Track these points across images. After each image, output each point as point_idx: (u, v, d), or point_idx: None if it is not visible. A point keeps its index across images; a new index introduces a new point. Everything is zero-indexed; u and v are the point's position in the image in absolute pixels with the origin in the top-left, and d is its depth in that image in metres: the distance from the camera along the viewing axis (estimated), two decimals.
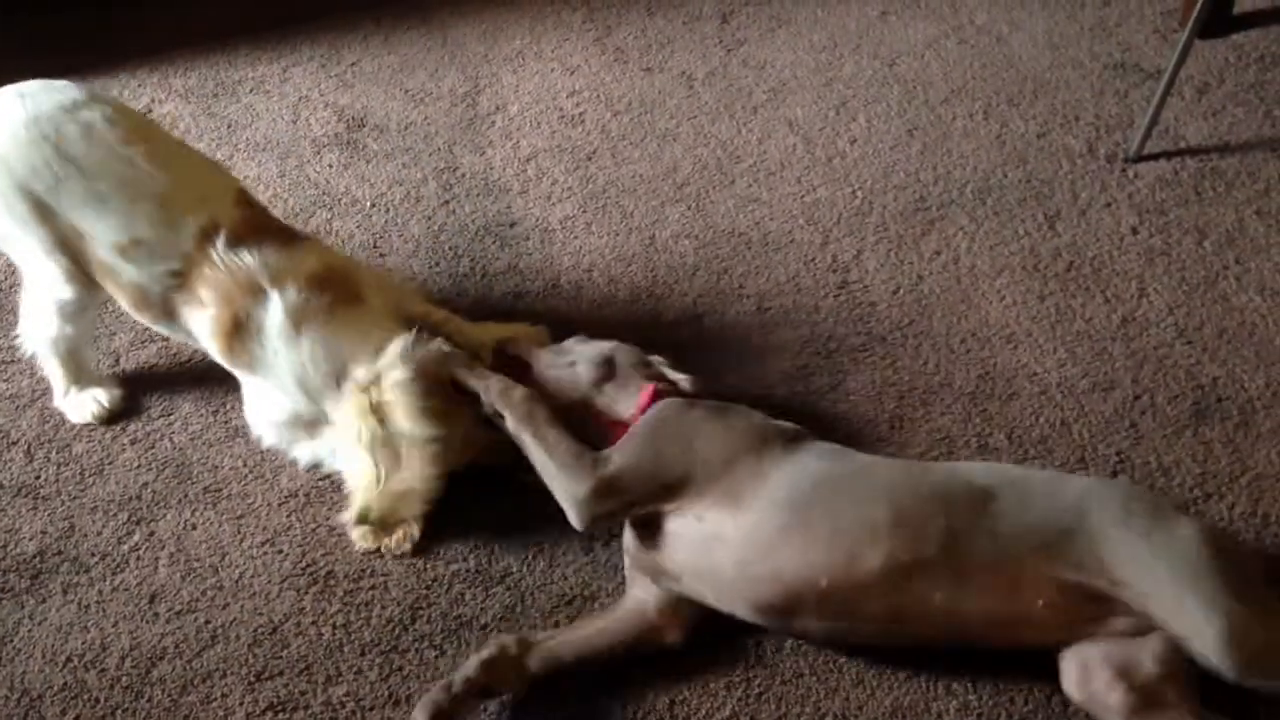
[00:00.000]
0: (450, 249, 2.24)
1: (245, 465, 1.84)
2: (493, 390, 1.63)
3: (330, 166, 2.43)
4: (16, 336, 1.95)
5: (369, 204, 2.35)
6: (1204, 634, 1.36)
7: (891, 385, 1.91)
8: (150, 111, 2.57)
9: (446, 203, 2.34)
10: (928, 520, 1.45)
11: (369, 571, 1.69)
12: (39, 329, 1.88)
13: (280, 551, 1.72)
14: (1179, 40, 2.26)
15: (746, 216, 2.28)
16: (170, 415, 1.92)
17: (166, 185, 1.74)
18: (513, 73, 2.68)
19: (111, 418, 1.92)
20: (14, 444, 1.87)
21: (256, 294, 1.70)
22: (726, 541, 1.49)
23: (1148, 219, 2.19)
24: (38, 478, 1.82)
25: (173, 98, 2.61)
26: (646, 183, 2.37)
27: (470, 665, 1.50)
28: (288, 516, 1.76)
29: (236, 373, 1.79)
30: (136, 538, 1.74)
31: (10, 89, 1.78)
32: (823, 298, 2.09)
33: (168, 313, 1.77)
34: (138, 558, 1.71)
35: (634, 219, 2.29)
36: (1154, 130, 2.30)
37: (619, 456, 1.55)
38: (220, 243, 1.72)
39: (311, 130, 2.52)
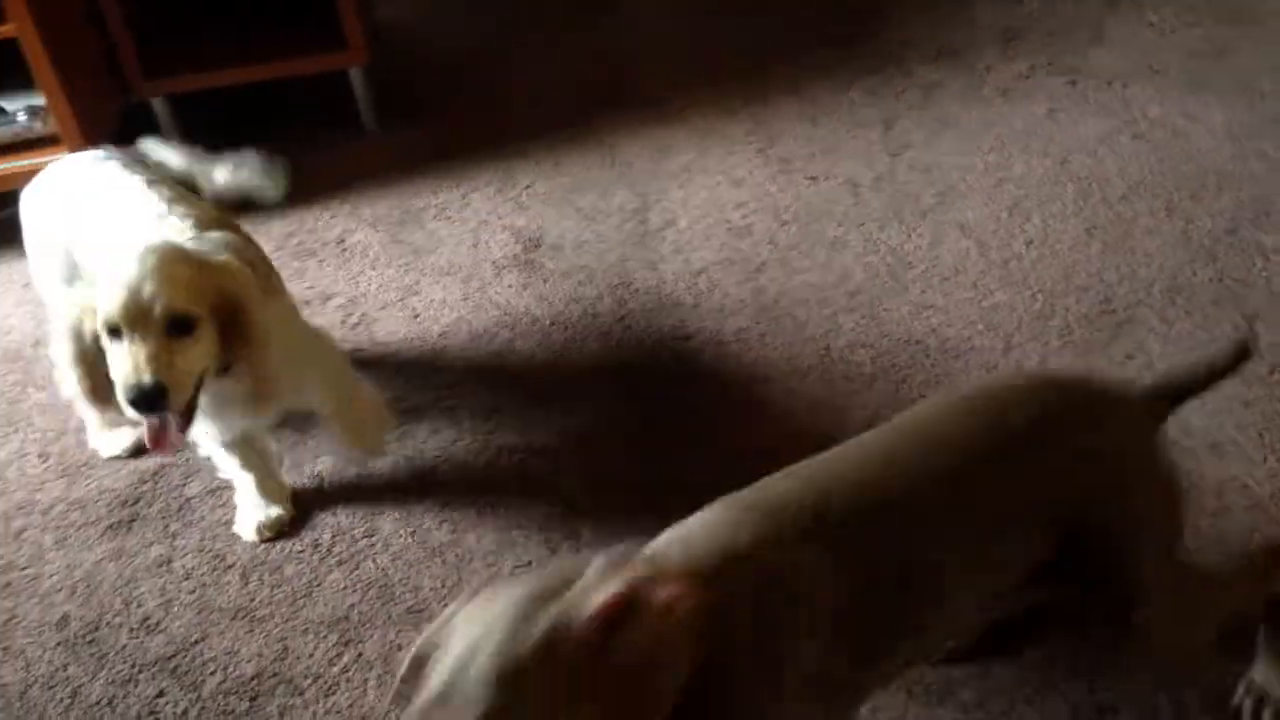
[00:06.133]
0: (627, 365, 2.29)
1: (444, 585, 1.90)
2: None
3: (510, 287, 2.52)
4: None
5: (548, 322, 2.42)
6: None
7: None
8: (343, 241, 2.72)
9: (621, 318, 2.40)
10: None
11: None
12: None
13: None
14: None
15: (922, 323, 2.27)
16: (372, 536, 2.00)
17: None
18: (680, 187, 2.75)
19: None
20: (230, 567, 1.97)
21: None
22: None
23: None
24: (253, 600, 1.91)
25: (362, 227, 2.76)
26: (818, 292, 2.38)
27: None
28: None
29: None
30: (346, 659, 1.80)
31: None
32: None
33: None
34: (348, 679, 1.77)
35: (807, 329, 2.30)
36: None
37: None
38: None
39: (491, 253, 2.63)
